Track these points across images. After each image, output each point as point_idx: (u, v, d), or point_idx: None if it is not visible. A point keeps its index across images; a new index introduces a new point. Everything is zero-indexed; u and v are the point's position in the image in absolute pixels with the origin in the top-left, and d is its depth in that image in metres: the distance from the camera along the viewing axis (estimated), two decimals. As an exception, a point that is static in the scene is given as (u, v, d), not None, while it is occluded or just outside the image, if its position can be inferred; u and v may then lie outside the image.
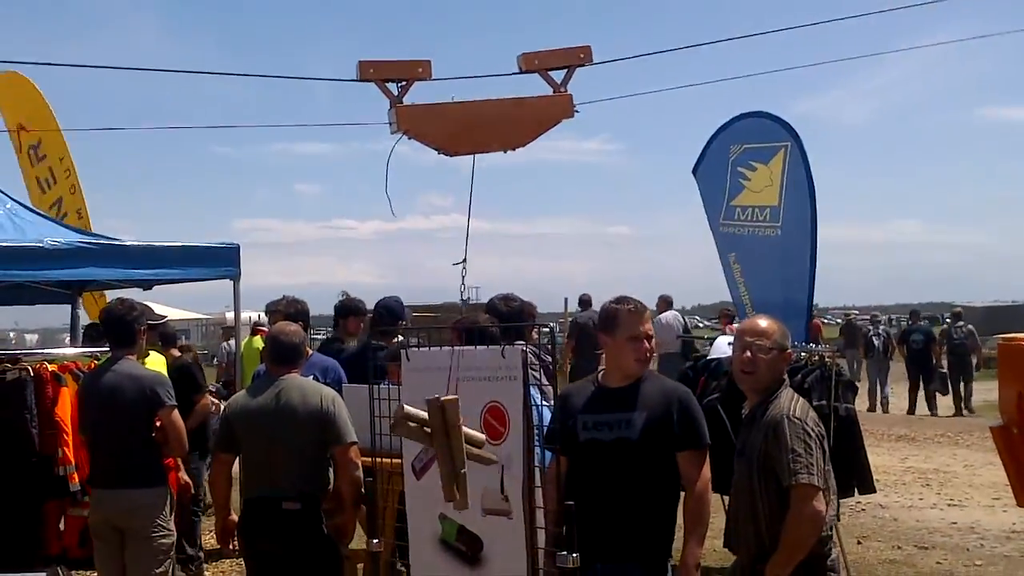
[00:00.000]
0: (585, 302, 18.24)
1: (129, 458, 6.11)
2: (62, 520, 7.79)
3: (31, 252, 8.44)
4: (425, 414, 3.75)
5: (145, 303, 8.44)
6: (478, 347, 4.24)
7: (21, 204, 9.84)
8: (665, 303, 18.67)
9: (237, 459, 5.86)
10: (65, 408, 7.57)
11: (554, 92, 4.28)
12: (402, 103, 4.09)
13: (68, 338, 12.66)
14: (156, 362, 8.01)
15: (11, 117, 14.39)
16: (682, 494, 4.47)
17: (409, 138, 4.12)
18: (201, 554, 8.57)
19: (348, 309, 8.36)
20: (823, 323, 34.02)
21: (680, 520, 4.48)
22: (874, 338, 23.46)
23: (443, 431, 3.73)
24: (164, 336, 8.95)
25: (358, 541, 6.03)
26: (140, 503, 6.10)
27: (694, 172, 10.69)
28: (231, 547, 6.07)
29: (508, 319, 5.66)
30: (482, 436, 4.01)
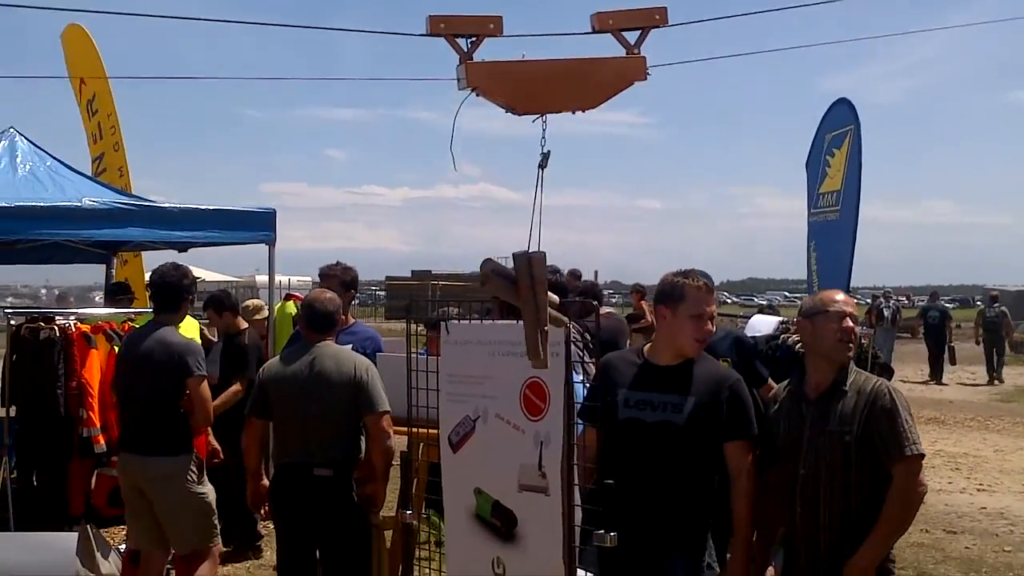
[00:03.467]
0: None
1: (153, 425, 6.11)
2: (92, 479, 7.87)
3: (70, 212, 8.48)
4: (510, 269, 3.72)
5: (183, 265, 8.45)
6: (519, 321, 4.19)
7: (61, 162, 9.88)
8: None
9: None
10: (93, 371, 7.61)
11: (627, 53, 4.19)
12: (472, 59, 4.03)
13: (101, 297, 12.76)
14: (189, 327, 8.02)
15: (73, 69, 14.42)
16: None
17: (478, 95, 4.06)
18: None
19: None
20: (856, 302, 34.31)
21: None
22: (884, 309, 26.31)
23: (530, 286, 3.70)
24: (218, 302, 8.89)
25: (387, 510, 6.03)
26: (162, 472, 6.08)
27: (806, 165, 10.62)
28: (262, 513, 6.08)
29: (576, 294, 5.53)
30: (555, 297, 4.01)
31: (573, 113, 4.25)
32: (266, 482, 5.92)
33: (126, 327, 7.78)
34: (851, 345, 4.26)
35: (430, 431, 4.68)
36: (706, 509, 4.32)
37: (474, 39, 4.03)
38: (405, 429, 5.10)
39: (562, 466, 3.90)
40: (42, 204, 8.49)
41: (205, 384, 6.19)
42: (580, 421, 4.15)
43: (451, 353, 4.41)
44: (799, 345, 6.13)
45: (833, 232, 9.79)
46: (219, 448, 7.47)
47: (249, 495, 6.00)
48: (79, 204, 8.59)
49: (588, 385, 4.56)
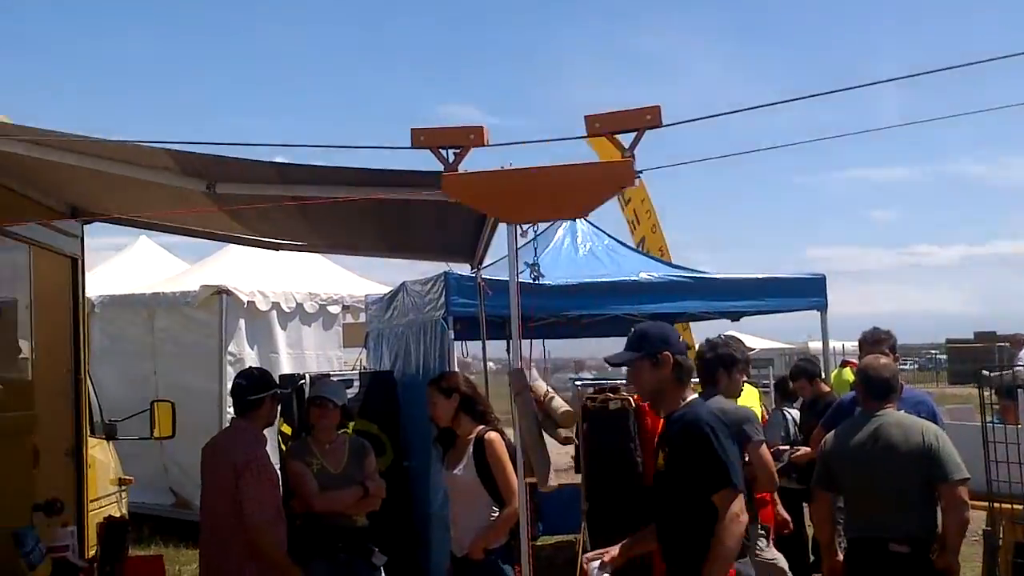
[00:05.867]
0: None
1: None
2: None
3: (628, 287, 8.91)
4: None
5: (735, 335, 8.55)
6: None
7: (617, 240, 10.43)
8: None
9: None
10: (664, 439, 7.84)
11: (623, 156, 3.89)
12: (456, 171, 3.95)
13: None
14: (747, 395, 8.07)
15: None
16: None
17: (464, 205, 3.95)
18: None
19: None
20: None
21: None
22: None
23: (512, 398, 3.85)
24: (806, 372, 8.99)
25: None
26: None
27: None
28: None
29: None
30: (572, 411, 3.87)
31: (564, 221, 3.98)
32: (840, 556, 5.74)
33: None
34: None
35: (1014, 506, 4.30)
36: None
37: (458, 150, 3.93)
38: (983, 504, 4.72)
39: None
40: (603, 280, 8.99)
41: (764, 449, 6.19)
42: None
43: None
44: None
45: None
46: (788, 518, 7.43)
47: (824, 570, 5.88)
48: (636, 279, 9.00)
49: None
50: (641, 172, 4.00)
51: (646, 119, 3.90)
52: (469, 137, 4.03)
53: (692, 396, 4.41)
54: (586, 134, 4.02)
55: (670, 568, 4.41)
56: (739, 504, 4.08)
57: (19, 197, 5.84)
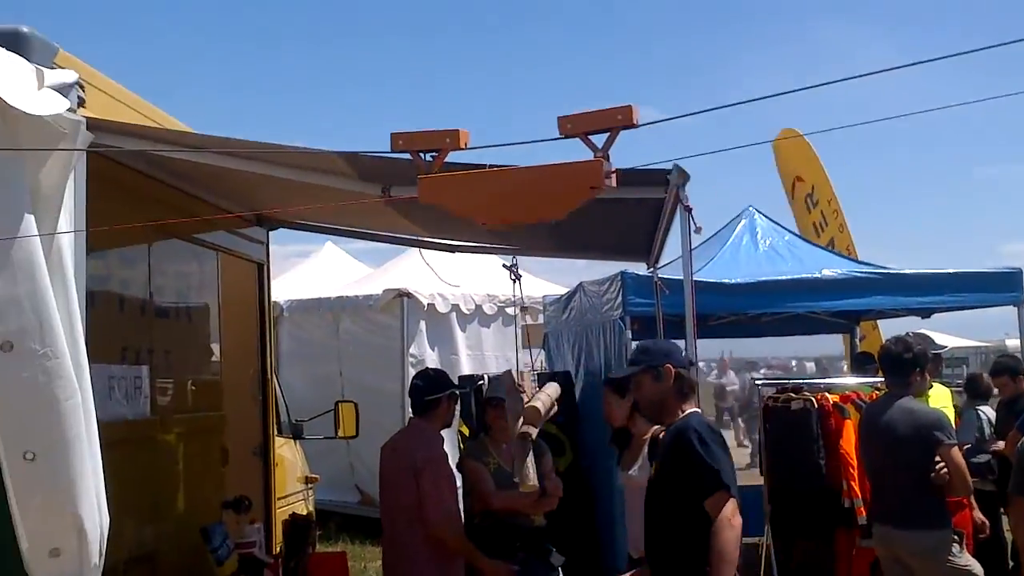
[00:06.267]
0: None
1: (907, 497, 5.96)
2: (853, 551, 7.86)
3: (810, 283, 8.71)
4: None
5: (924, 333, 8.26)
6: None
7: (798, 236, 10.20)
8: None
9: None
10: (849, 441, 7.64)
11: (594, 157, 3.67)
12: (427, 174, 3.83)
13: (845, 367, 12.86)
14: (939, 395, 7.76)
15: (787, 169, 15.30)
16: None
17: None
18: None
19: None
20: None
21: None
22: None
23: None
24: (1010, 369, 8.59)
25: None
26: (922, 546, 5.91)
27: None
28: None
29: None
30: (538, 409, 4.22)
31: (547, 223, 3.92)
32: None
33: (873, 396, 7.71)
34: None
35: None
36: None
37: (436, 153, 3.85)
38: None
39: None
40: (784, 278, 8.79)
41: (956, 451, 5.95)
42: None
43: None
44: None
45: None
46: (986, 521, 7.12)
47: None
48: (819, 275, 8.78)
49: None
50: (615, 172, 3.90)
51: (618, 119, 3.79)
52: (446, 140, 3.99)
53: (692, 409, 4.38)
54: (561, 134, 4.01)
55: None
56: (732, 507, 4.03)
57: (207, 205, 6.06)
